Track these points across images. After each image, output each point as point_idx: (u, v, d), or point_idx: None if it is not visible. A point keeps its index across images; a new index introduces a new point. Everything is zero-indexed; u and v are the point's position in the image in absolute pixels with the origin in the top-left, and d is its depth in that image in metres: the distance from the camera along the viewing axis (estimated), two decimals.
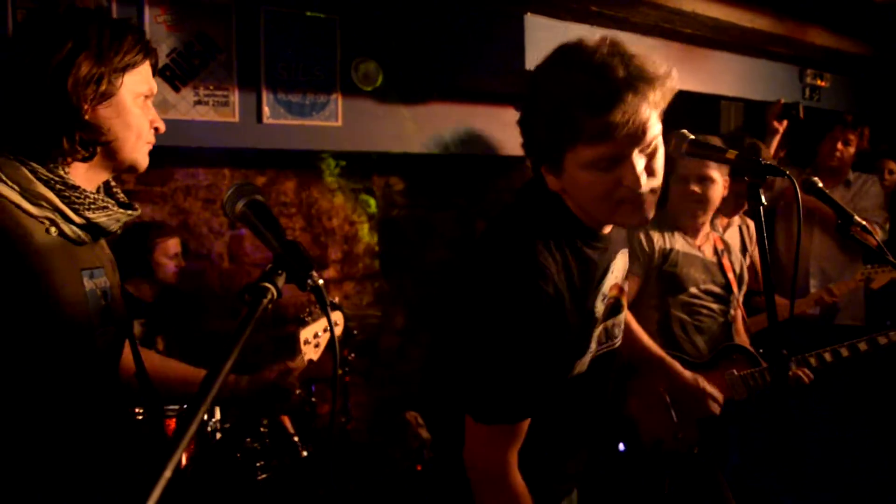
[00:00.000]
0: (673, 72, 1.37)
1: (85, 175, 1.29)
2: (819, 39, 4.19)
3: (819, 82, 4.69)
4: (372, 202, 4.29)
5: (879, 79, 5.03)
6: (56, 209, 1.23)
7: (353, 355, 3.49)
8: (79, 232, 1.28)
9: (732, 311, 2.63)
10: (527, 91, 1.45)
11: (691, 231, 2.60)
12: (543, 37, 3.42)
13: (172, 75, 3.16)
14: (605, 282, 1.51)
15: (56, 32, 1.23)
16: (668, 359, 2.25)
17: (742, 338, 2.68)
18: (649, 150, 1.36)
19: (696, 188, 2.49)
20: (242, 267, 3.87)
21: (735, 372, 2.47)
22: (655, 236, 2.52)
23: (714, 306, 2.58)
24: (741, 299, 2.73)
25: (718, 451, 2.48)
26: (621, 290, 1.59)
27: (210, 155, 3.70)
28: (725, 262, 2.63)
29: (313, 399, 3.24)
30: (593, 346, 1.53)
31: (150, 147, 1.38)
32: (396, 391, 4.12)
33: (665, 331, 2.49)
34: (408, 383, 4.14)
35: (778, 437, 2.44)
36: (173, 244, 3.22)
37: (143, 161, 1.37)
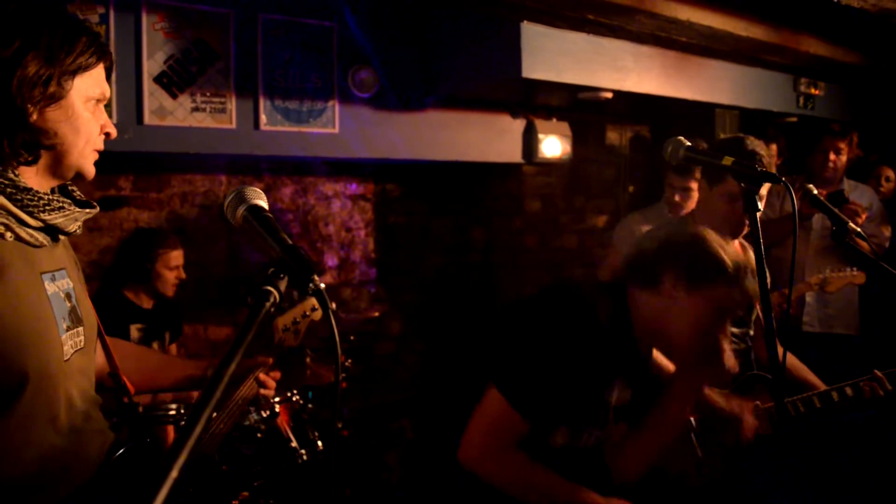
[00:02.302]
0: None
1: (34, 180, 1.25)
2: (813, 48, 4.22)
3: (813, 91, 4.72)
4: (369, 209, 4.30)
5: (872, 87, 5.07)
6: (9, 213, 1.19)
7: (349, 361, 3.49)
8: (36, 235, 1.23)
9: (752, 332, 2.57)
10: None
11: None
12: (540, 44, 3.44)
13: (170, 82, 3.17)
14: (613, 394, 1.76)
15: (4, 29, 1.18)
16: None
17: (762, 360, 2.59)
18: None
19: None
20: (239, 273, 3.88)
21: (760, 404, 2.39)
22: None
23: (735, 330, 2.51)
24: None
25: (743, 486, 2.41)
26: None
27: (207, 161, 3.70)
28: None
29: (310, 406, 3.24)
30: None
31: (97, 155, 1.32)
32: (392, 397, 4.12)
33: None
34: (404, 389, 4.15)
35: (802, 468, 2.38)
36: (176, 256, 3.21)
37: (89, 169, 1.30)
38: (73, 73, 1.23)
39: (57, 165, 1.26)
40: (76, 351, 1.30)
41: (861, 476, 3.21)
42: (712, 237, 1.75)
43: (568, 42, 3.57)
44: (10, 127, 1.18)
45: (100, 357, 1.49)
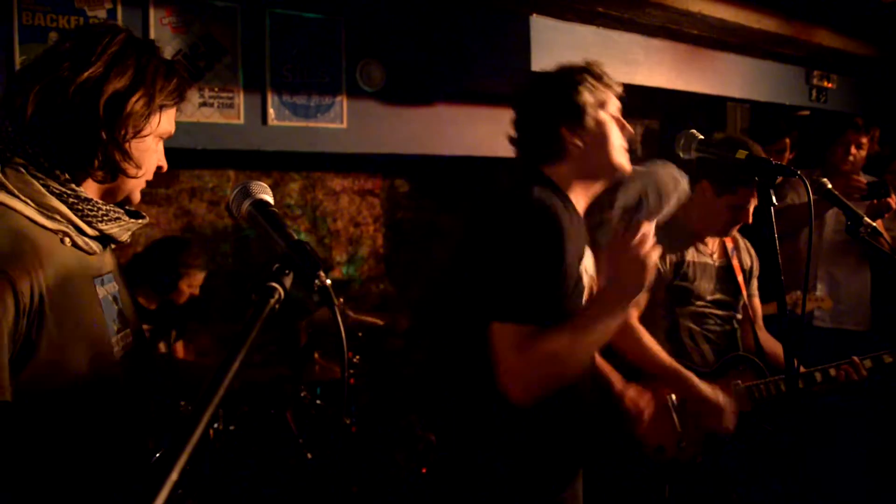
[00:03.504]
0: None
1: (91, 192, 1.30)
2: (826, 41, 4.17)
3: (826, 84, 4.67)
4: (377, 204, 4.29)
5: (886, 80, 5.01)
6: (70, 222, 1.24)
7: (357, 357, 3.48)
8: (90, 243, 1.28)
9: (739, 315, 2.60)
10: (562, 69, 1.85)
11: (703, 237, 2.55)
12: (549, 37, 3.41)
13: None
14: (586, 258, 1.75)
15: (118, 59, 1.24)
16: (685, 371, 2.31)
17: (749, 343, 2.64)
18: None
19: None
20: (247, 268, 3.87)
21: (740, 383, 2.45)
22: (667, 250, 2.47)
23: (721, 313, 2.54)
24: (756, 289, 2.68)
25: (722, 461, 2.45)
26: (592, 279, 1.78)
27: (215, 157, 3.69)
28: (735, 262, 2.60)
29: (318, 402, 3.23)
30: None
31: (145, 185, 1.38)
32: (401, 393, 4.11)
33: (673, 339, 2.46)
34: (412, 386, 4.14)
35: (782, 446, 2.42)
36: (200, 278, 3.36)
37: (137, 197, 1.37)
38: (160, 109, 1.30)
39: (114, 188, 1.32)
40: (125, 352, 1.35)
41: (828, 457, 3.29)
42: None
43: (578, 35, 3.54)
44: (104, 150, 1.23)
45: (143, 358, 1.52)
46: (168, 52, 3.13)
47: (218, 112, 3.26)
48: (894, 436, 3.66)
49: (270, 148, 3.44)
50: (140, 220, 1.38)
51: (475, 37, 3.65)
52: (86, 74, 1.21)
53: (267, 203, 1.14)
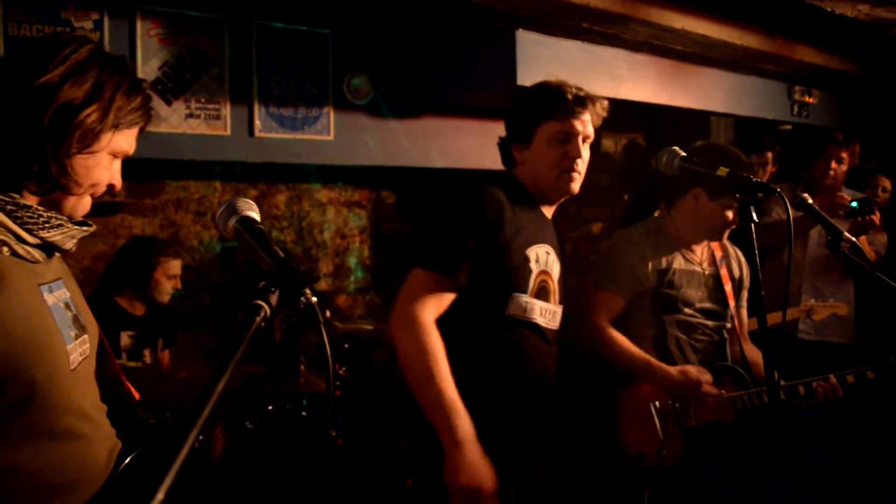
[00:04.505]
0: (605, 102, 2.06)
1: (32, 200, 1.25)
2: (807, 57, 4.23)
3: (807, 99, 4.74)
4: (363, 215, 4.29)
5: (866, 96, 5.09)
6: (8, 230, 1.19)
7: (343, 369, 3.47)
8: (33, 252, 1.24)
9: (728, 325, 2.62)
10: (521, 93, 2.15)
11: (691, 245, 2.57)
12: (535, 52, 3.44)
13: (164, 89, 3.16)
14: (539, 247, 1.96)
15: (78, 70, 1.20)
16: (654, 361, 2.40)
17: (737, 354, 2.66)
18: (586, 143, 2.02)
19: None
20: (233, 280, 3.86)
21: (725, 393, 2.47)
22: (650, 258, 2.50)
23: (709, 323, 2.56)
24: (745, 301, 2.71)
25: (703, 469, 2.47)
26: (547, 274, 1.98)
27: (201, 168, 3.69)
28: (724, 272, 2.61)
29: (304, 413, 3.22)
30: (536, 304, 1.93)
31: (90, 201, 1.32)
32: (387, 405, 4.10)
33: (660, 348, 2.48)
34: (399, 397, 4.12)
35: (765, 454, 2.45)
36: (175, 265, 3.25)
37: (78, 213, 1.31)
38: (116, 127, 1.25)
39: (53, 200, 1.26)
40: (83, 359, 1.31)
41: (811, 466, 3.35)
42: None
43: (563, 50, 3.57)
44: (45, 158, 1.18)
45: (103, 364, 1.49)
46: (155, 64, 3.13)
47: (205, 123, 3.26)
48: (873, 446, 3.70)
49: (257, 159, 3.45)
50: (85, 228, 1.32)
51: (462, 51, 3.68)
52: (40, 80, 1.17)
53: (253, 220, 1.14)
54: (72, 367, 1.26)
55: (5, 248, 1.19)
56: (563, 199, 2.08)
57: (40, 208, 1.22)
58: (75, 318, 1.32)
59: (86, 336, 1.34)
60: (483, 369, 1.89)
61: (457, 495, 1.65)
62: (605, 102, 2.06)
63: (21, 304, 1.19)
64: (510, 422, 1.91)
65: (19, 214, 1.19)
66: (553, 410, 2.04)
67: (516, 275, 1.90)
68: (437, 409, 1.71)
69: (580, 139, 1.98)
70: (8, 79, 1.18)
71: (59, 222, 1.25)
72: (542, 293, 1.96)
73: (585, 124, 1.99)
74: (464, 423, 1.68)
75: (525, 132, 2.01)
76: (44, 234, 1.23)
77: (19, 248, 1.21)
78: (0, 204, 1.18)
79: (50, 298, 1.26)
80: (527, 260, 1.92)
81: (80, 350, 1.30)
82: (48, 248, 1.27)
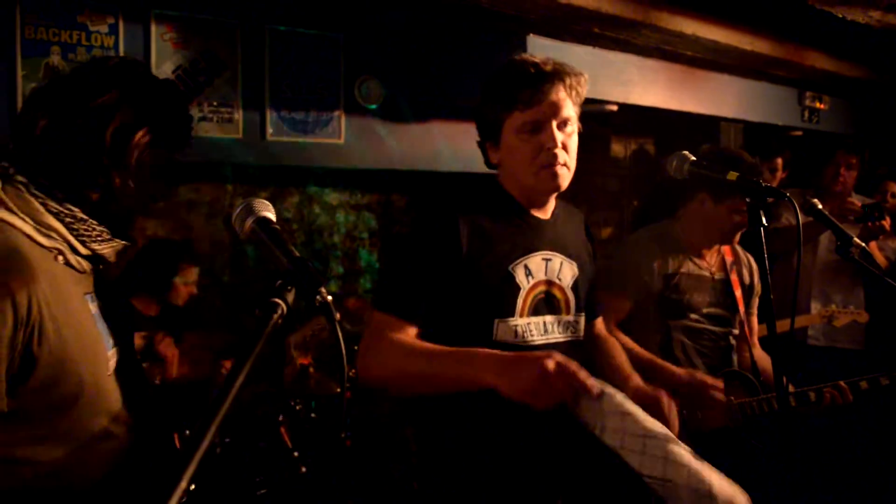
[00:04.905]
0: (585, 74, 1.72)
1: (86, 214, 1.33)
2: (818, 63, 4.23)
3: (818, 105, 4.74)
4: (374, 219, 4.31)
5: (877, 102, 5.08)
6: (65, 240, 1.27)
7: (353, 371, 3.48)
8: (82, 262, 1.31)
9: (736, 331, 2.61)
10: (484, 83, 1.82)
11: (700, 250, 2.57)
12: None
13: None
14: (531, 258, 1.72)
15: (140, 97, 1.31)
16: (659, 360, 2.35)
17: (745, 360, 2.65)
18: (566, 127, 1.69)
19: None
20: (244, 282, 3.88)
21: (733, 399, 2.46)
22: (657, 262, 2.50)
23: (717, 329, 2.54)
24: (755, 308, 2.70)
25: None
26: (550, 284, 1.75)
27: (213, 171, 3.72)
28: (734, 277, 2.60)
29: (313, 415, 3.23)
30: (534, 322, 1.71)
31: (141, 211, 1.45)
32: (396, 407, 4.12)
33: (666, 353, 2.48)
34: (408, 399, 4.14)
35: (774, 460, 2.44)
36: (194, 272, 3.31)
37: (131, 223, 1.42)
38: (158, 146, 1.35)
39: (107, 212, 1.35)
40: (117, 364, 1.37)
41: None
42: None
43: (574, 55, 3.58)
44: (105, 176, 1.29)
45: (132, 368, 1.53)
46: (168, 67, 3.16)
47: (217, 126, 3.29)
48: (880, 453, 3.68)
49: (268, 162, 3.47)
50: (127, 243, 1.41)
51: (473, 55, 3.69)
52: (100, 101, 1.26)
53: (269, 220, 1.17)
54: (109, 372, 1.33)
55: (60, 257, 1.27)
56: (553, 195, 1.80)
57: (94, 222, 1.30)
58: (109, 329, 1.38)
59: (116, 348, 1.40)
60: (481, 402, 1.55)
61: (541, 383, 1.36)
62: (584, 76, 1.72)
63: (74, 311, 1.26)
64: (520, 457, 1.70)
65: (76, 227, 1.27)
66: (570, 434, 1.74)
67: (496, 298, 1.66)
68: (452, 370, 1.51)
69: (554, 125, 1.65)
70: (67, 99, 1.27)
71: (108, 237, 1.33)
72: (544, 307, 1.74)
73: (558, 105, 1.65)
74: (481, 352, 1.49)
75: (491, 129, 1.76)
76: (95, 246, 1.31)
77: (72, 258, 1.28)
78: (60, 216, 1.25)
79: (93, 307, 1.34)
80: (510, 277, 1.67)
81: (115, 356, 1.37)
82: (95, 260, 1.35)
